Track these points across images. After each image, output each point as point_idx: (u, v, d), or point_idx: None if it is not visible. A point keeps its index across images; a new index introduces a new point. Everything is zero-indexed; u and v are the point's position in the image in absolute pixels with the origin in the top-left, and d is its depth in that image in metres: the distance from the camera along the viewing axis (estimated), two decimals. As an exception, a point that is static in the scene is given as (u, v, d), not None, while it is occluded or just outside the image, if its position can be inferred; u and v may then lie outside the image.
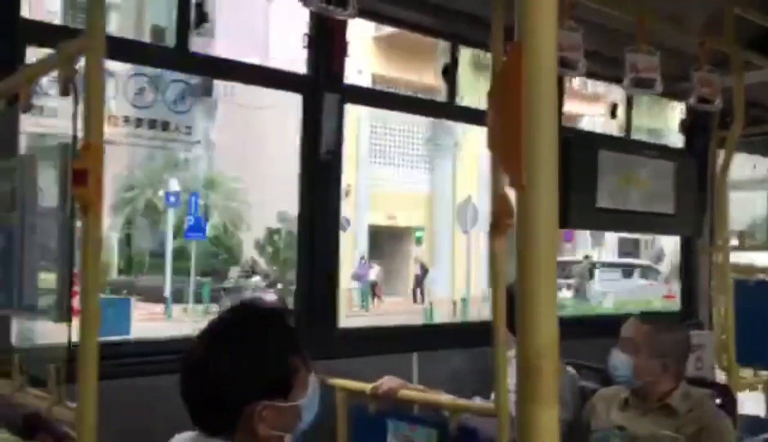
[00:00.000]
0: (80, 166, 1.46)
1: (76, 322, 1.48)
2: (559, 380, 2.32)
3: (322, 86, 2.73)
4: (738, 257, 3.77)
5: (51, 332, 1.72)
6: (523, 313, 0.67)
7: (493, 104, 0.70)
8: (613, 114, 3.98)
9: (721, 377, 3.30)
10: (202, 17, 2.46)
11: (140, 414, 2.20)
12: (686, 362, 2.53)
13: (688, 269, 4.32)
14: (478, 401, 2.56)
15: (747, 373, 3.76)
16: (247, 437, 1.39)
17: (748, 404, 3.75)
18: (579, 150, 3.57)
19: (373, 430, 2.47)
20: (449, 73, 3.13)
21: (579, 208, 3.52)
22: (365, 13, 2.82)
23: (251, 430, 1.38)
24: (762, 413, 4.08)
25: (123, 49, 2.36)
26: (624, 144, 3.95)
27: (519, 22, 0.68)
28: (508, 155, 0.69)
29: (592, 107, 22.11)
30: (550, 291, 0.68)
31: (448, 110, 3.19)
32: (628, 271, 23.55)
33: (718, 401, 2.62)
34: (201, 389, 1.40)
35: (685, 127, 4.27)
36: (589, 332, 3.54)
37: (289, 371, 1.43)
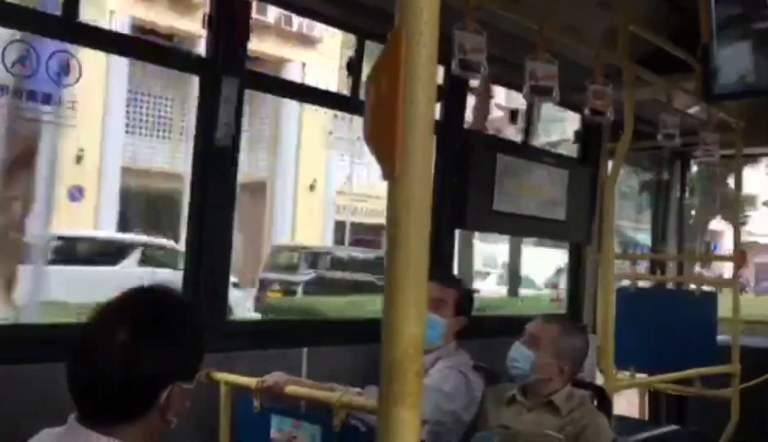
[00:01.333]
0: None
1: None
2: (466, 380, 2.34)
3: (221, 69, 2.63)
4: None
5: None
6: (391, 311, 0.65)
7: (371, 92, 0.67)
8: (513, 119, 4.07)
9: (600, 379, 3.43)
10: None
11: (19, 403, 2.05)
12: (581, 367, 2.63)
13: (575, 274, 4.48)
14: (373, 390, 2.55)
15: (625, 375, 3.95)
16: (151, 424, 1.33)
17: (623, 405, 3.94)
18: (478, 152, 3.63)
19: (257, 426, 2.41)
20: (353, 67, 3.10)
21: (476, 211, 3.58)
22: (270, -1, 2.76)
23: (161, 415, 1.33)
24: (636, 414, 4.30)
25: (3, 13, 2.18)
26: (522, 150, 4.05)
27: (400, 7, 0.65)
28: (382, 145, 0.66)
29: (307, 52, 18.45)
30: (420, 289, 0.66)
31: (352, 104, 3.15)
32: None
33: (594, 402, 2.72)
34: (112, 375, 1.30)
35: (580, 137, 4.43)
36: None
37: (201, 353, 1.43)
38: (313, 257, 16.38)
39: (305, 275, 15.61)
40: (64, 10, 2.29)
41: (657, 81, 3.45)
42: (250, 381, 2.43)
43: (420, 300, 0.66)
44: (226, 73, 2.63)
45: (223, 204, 2.70)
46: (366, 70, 3.02)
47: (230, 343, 2.71)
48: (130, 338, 1.31)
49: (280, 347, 2.83)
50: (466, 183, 3.52)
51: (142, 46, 2.69)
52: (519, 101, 4.19)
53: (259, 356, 2.70)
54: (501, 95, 13.64)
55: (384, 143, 0.66)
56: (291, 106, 15.96)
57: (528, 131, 4.16)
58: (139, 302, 1.40)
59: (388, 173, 0.65)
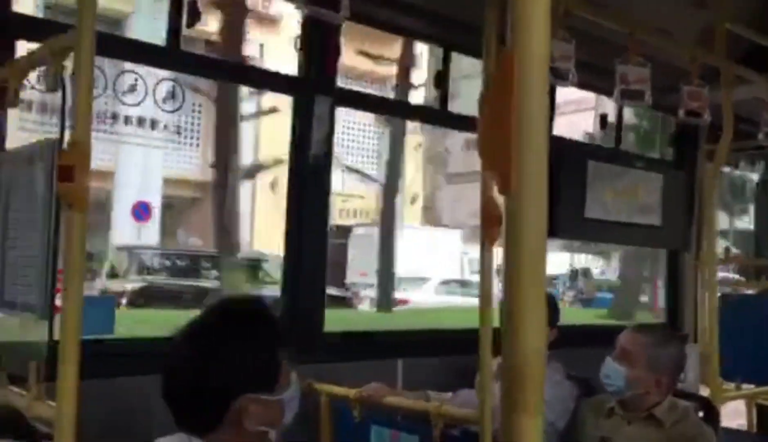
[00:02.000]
0: (66, 163, 1.45)
1: (59, 319, 1.46)
2: (561, 389, 2.32)
3: (313, 88, 2.72)
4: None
5: (33, 329, 1.70)
6: (511, 320, 0.67)
7: (485, 111, 0.70)
8: (603, 124, 4.00)
9: (704, 390, 3.31)
10: (195, 15, 2.45)
11: (121, 414, 2.17)
12: (679, 377, 2.52)
13: (674, 282, 4.34)
14: (464, 393, 2.56)
15: (730, 386, 3.79)
16: (233, 433, 1.37)
17: (729, 417, 3.77)
18: (568, 159, 3.59)
19: (357, 435, 2.47)
20: (441, 79, 3.13)
21: (566, 218, 3.54)
22: (358, 18, 2.83)
23: (238, 425, 1.36)
24: (744, 427, 4.10)
25: (113, 45, 2.34)
26: (613, 155, 3.97)
27: (512, 32, 0.67)
28: (497, 160, 0.68)
29: (266, 33, 16.76)
30: (538, 298, 0.68)
31: (440, 116, 3.19)
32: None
33: (700, 413, 2.63)
34: (187, 387, 1.37)
35: (675, 140, 4.30)
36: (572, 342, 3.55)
37: (275, 365, 1.42)
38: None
39: (133, 282, 13.02)
40: (168, 40, 2.43)
41: (757, 79, 3.32)
42: (350, 392, 2.49)
43: (540, 310, 0.68)
44: (318, 92, 2.72)
45: (318, 219, 2.78)
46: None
47: (328, 354, 2.78)
48: (197, 352, 1.38)
49: (376, 358, 2.88)
50: (557, 190, 3.49)
51: (239, 69, 2.82)
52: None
53: (356, 367, 2.76)
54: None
55: (498, 160, 0.68)
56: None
57: (619, 137, 4.07)
58: (211, 315, 1.46)
59: (505, 188, 0.67)
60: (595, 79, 3.40)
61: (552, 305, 2.87)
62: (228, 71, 2.93)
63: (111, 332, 2.48)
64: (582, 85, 3.39)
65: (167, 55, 2.44)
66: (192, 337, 1.41)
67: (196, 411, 1.38)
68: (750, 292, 4.71)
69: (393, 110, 3.41)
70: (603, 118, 3.98)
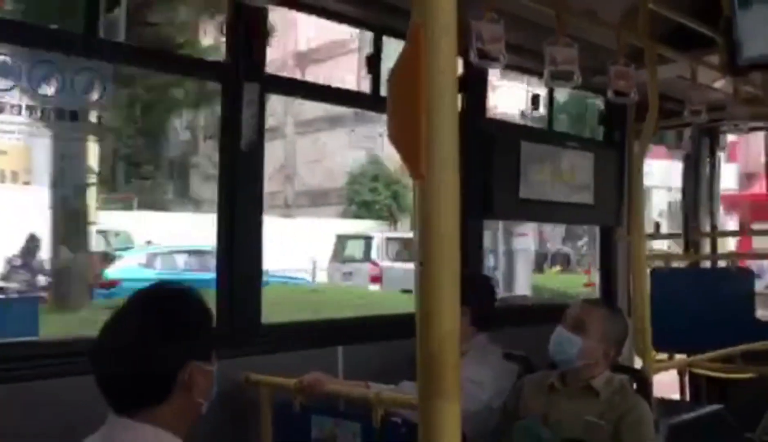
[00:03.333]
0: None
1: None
2: (495, 369, 2.33)
3: (242, 75, 2.65)
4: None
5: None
6: (425, 305, 0.65)
7: (393, 92, 0.68)
8: (534, 105, 4.04)
9: (638, 362, 3.40)
10: (114, 1, 2.36)
11: (44, 418, 2.09)
12: (622, 350, 2.59)
13: (606, 258, 4.44)
14: (406, 386, 2.57)
15: (663, 357, 3.91)
16: (180, 406, 1.40)
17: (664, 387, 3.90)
18: (501, 141, 3.62)
19: (298, 426, 2.44)
20: (372, 64, 3.10)
21: (501, 199, 3.57)
22: (285, 2, 2.77)
23: (185, 397, 1.40)
24: (677, 396, 4.25)
25: (24, 33, 2.23)
26: (546, 135, 4.02)
27: (417, 3, 0.65)
28: (407, 145, 0.66)
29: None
30: (452, 282, 0.67)
31: (373, 102, 3.16)
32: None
33: (633, 385, 2.69)
34: (131, 363, 1.39)
35: (604, 119, 4.39)
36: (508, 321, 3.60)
37: (211, 335, 1.52)
38: None
39: None
40: (85, 28, 2.33)
41: (680, 58, 3.41)
42: (289, 382, 2.46)
43: (454, 294, 0.66)
44: (247, 79, 2.65)
45: (251, 207, 2.73)
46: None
47: (266, 345, 2.74)
48: (136, 327, 1.42)
49: (316, 347, 2.85)
50: (491, 172, 3.52)
51: (163, 57, 2.72)
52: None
53: (295, 356, 2.73)
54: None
55: (409, 142, 0.66)
56: None
57: (551, 117, 4.13)
58: (141, 296, 1.50)
59: (415, 172, 0.65)
60: (524, 60, 3.44)
61: (478, 285, 2.88)
62: (153, 59, 2.83)
63: (35, 334, 2.38)
64: (512, 67, 3.42)
65: (84, 43, 2.34)
66: (126, 319, 1.44)
67: (142, 386, 1.39)
68: (679, 264, 4.88)
69: (324, 96, 3.37)
70: (535, 98, 4.03)
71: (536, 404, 2.52)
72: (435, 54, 0.65)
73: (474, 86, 3.46)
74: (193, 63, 2.72)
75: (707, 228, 5.10)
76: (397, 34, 3.08)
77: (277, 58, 18.73)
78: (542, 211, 3.89)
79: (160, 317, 1.44)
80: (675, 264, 4.72)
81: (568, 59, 2.85)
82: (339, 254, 18.64)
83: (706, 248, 5.11)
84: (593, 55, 3.26)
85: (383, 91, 3.20)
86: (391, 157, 19.21)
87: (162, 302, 1.49)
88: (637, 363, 3.35)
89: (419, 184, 0.66)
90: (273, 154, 19.67)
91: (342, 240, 18.89)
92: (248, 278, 2.74)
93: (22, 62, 2.14)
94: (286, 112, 22.24)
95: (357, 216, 22.43)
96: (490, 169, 3.51)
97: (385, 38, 3.16)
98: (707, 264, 5.07)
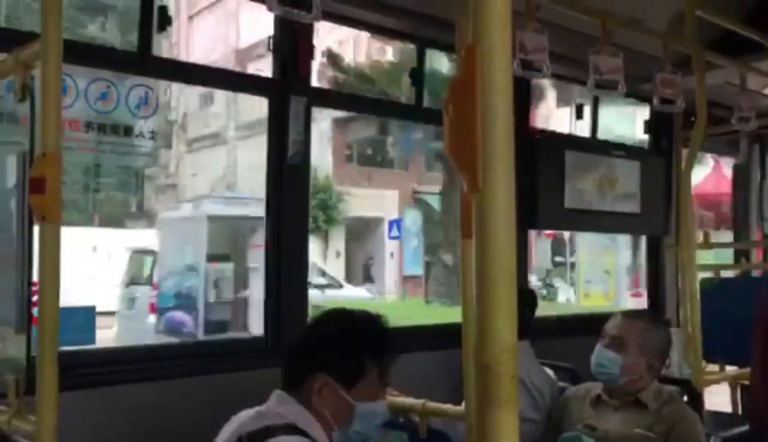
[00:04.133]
0: (37, 174, 1.43)
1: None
2: (538, 384, 2.33)
3: (288, 89, 2.70)
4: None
5: (11, 344, 1.68)
6: (482, 317, 0.67)
7: (449, 108, 0.70)
8: (578, 115, 4.02)
9: (688, 374, 3.34)
10: (166, 20, 2.43)
11: (104, 425, 2.16)
12: (666, 359, 2.54)
13: (654, 268, 4.37)
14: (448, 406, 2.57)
15: (714, 369, 3.82)
16: (306, 400, 1.60)
17: (716, 399, 3.81)
18: (546, 151, 3.60)
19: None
20: (416, 76, 3.13)
21: (547, 210, 3.56)
22: (329, 16, 2.82)
23: (309, 395, 1.59)
24: (729, 409, 4.14)
25: (81, 53, 2.31)
26: (590, 144, 3.99)
27: (473, 25, 0.67)
28: (464, 160, 0.68)
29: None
30: (509, 295, 0.68)
31: (415, 113, 3.19)
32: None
33: (684, 397, 2.65)
34: (293, 350, 1.69)
35: (650, 127, 4.34)
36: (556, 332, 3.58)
37: (358, 366, 1.63)
38: None
39: None
40: (139, 46, 2.40)
41: (729, 64, 3.35)
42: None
43: (511, 306, 0.68)
44: (294, 92, 2.70)
45: (299, 222, 2.77)
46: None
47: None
48: (313, 330, 1.76)
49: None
50: (535, 182, 3.51)
51: (213, 73, 2.80)
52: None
53: None
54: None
55: (465, 158, 0.68)
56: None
57: (595, 125, 4.09)
58: (327, 313, 1.77)
59: (473, 186, 0.67)
60: (569, 70, 3.43)
61: (524, 299, 2.90)
62: (202, 75, 2.91)
63: (93, 342, 2.46)
64: (556, 77, 3.41)
65: (138, 61, 2.41)
66: (316, 320, 1.77)
67: (289, 370, 1.66)
68: (730, 274, 4.77)
69: (369, 108, 3.41)
70: (579, 109, 4.00)
71: (582, 416, 2.49)
72: (491, 72, 0.67)
73: (518, 96, 3.45)
74: (241, 78, 2.79)
75: (758, 237, 4.98)
76: (439, 46, 3.10)
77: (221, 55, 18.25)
78: (588, 221, 3.85)
79: (319, 329, 1.73)
80: (725, 274, 4.62)
81: (613, 68, 2.83)
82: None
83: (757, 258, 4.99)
84: (639, 63, 3.23)
85: (426, 103, 3.22)
86: (323, 161, 18.18)
87: (329, 319, 1.75)
88: (688, 375, 3.30)
89: (475, 199, 0.68)
90: (215, 161, 18.67)
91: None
92: (295, 283, 2.78)
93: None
94: (228, 116, 19.73)
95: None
96: (535, 179, 3.50)
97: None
98: (757, 274, 4.95)
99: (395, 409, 2.48)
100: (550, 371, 2.88)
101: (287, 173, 2.72)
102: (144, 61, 2.42)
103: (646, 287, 4.51)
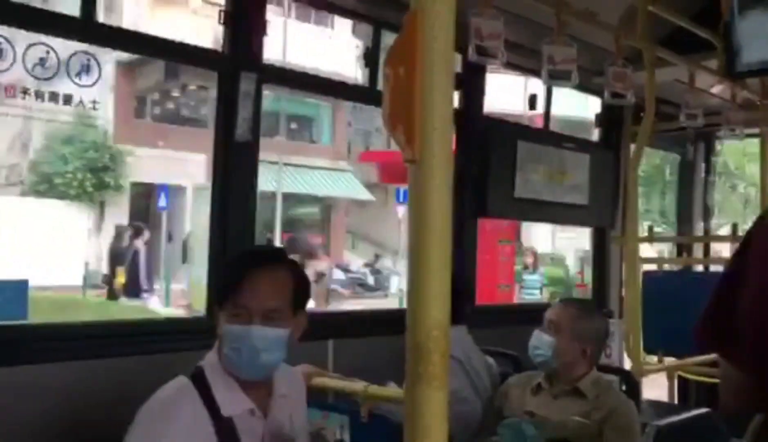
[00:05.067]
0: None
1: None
2: (477, 367, 2.35)
3: (239, 65, 2.64)
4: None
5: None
6: (415, 292, 0.65)
7: (389, 78, 0.67)
8: (532, 105, 4.04)
9: (628, 364, 3.41)
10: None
11: (39, 402, 2.08)
12: (603, 349, 2.62)
13: (599, 259, 4.44)
14: (391, 387, 2.57)
15: (653, 360, 3.92)
16: None
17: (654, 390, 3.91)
18: (498, 140, 3.61)
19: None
20: (370, 57, 3.09)
21: (497, 198, 3.57)
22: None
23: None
24: (666, 398, 4.26)
25: (20, 15, 2.20)
26: (542, 135, 4.02)
27: (415, -11, 0.65)
28: (403, 130, 0.66)
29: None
30: (443, 270, 0.66)
31: (369, 95, 3.15)
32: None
33: (623, 386, 2.70)
34: None
35: (601, 120, 4.39)
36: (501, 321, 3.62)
37: (220, 291, 1.76)
38: None
39: None
40: (82, 11, 2.31)
41: (678, 61, 3.41)
42: (297, 370, 2.45)
43: (444, 283, 0.66)
44: (244, 69, 2.64)
45: (245, 200, 2.71)
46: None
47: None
48: None
49: (306, 339, 2.83)
50: (486, 171, 3.51)
51: (161, 44, 2.70)
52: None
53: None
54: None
55: (404, 128, 0.66)
56: None
57: (547, 116, 4.12)
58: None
59: (409, 157, 0.65)
60: (523, 59, 3.44)
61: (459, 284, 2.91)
62: (148, 45, 2.81)
63: (25, 317, 2.37)
64: (510, 65, 3.41)
65: (81, 27, 2.31)
66: None
67: None
68: (672, 268, 4.88)
69: (322, 88, 3.36)
70: (532, 98, 4.02)
71: (522, 404, 2.54)
72: (431, 40, 0.64)
73: (472, 84, 3.45)
74: (190, 51, 2.70)
75: (700, 232, 5.11)
76: (394, 29, 3.07)
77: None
78: (537, 211, 3.88)
79: None
80: (667, 267, 4.73)
81: (566, 59, 2.85)
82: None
83: (699, 252, 5.12)
84: (592, 56, 3.26)
85: (380, 86, 3.19)
86: (104, 114, 15.19)
87: None
88: (627, 365, 3.36)
89: (412, 170, 0.65)
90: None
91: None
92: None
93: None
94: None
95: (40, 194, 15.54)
96: (486, 167, 3.51)
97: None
98: (700, 268, 5.09)
99: (337, 393, 2.47)
100: (490, 359, 2.91)
101: (234, 151, 2.66)
102: (87, 28, 2.32)
103: (591, 278, 4.59)
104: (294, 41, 15.54)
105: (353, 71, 14.14)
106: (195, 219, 16.62)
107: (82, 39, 2.32)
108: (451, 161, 0.66)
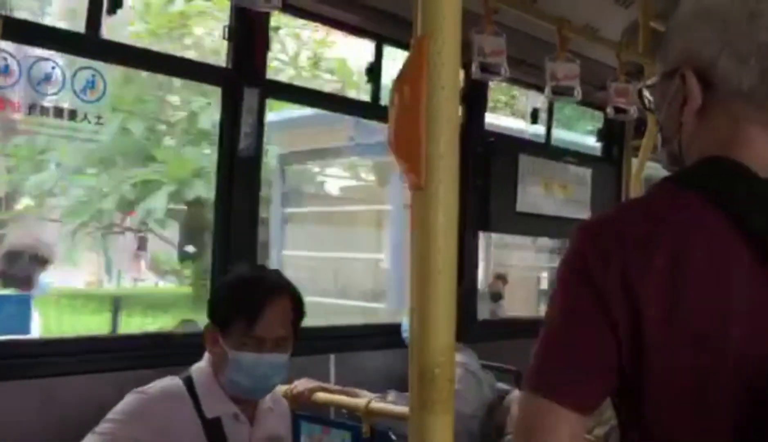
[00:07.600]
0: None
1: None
2: (483, 378, 2.34)
3: (242, 80, 2.65)
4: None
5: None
6: (420, 318, 0.65)
7: (395, 101, 0.68)
8: (533, 119, 4.05)
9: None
10: (117, 1, 2.35)
11: (39, 416, 2.08)
12: None
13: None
14: (392, 394, 2.57)
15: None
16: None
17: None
18: (500, 154, 3.62)
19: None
20: (373, 73, 3.10)
21: (499, 212, 3.57)
22: (289, 9, 2.77)
23: (211, 351, 1.76)
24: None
25: (25, 31, 2.22)
26: (544, 149, 4.03)
27: (423, 16, 0.65)
28: (408, 156, 0.66)
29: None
30: (449, 296, 0.66)
31: (372, 110, 3.16)
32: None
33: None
34: None
35: (603, 135, 4.40)
36: (504, 334, 3.61)
37: (227, 316, 1.73)
38: None
39: None
40: (87, 27, 2.32)
41: (680, 77, 3.42)
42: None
43: (449, 308, 0.66)
44: (248, 84, 2.65)
45: (248, 215, 2.72)
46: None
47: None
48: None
49: (308, 353, 2.83)
50: (488, 185, 3.52)
51: (165, 59, 2.72)
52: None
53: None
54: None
55: (409, 152, 0.66)
56: None
57: (549, 131, 4.13)
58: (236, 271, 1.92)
59: (415, 182, 0.65)
60: (526, 75, 3.45)
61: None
62: (153, 61, 2.83)
63: (28, 332, 2.36)
64: (513, 81, 3.43)
65: (87, 43, 2.33)
66: None
67: None
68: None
69: (325, 104, 3.37)
70: (534, 113, 4.04)
71: None
72: (438, 67, 0.65)
73: (474, 99, 3.46)
74: (194, 66, 2.71)
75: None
76: (397, 44, 3.09)
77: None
78: (539, 226, 3.89)
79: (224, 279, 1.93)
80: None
81: (569, 75, 2.87)
82: None
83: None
84: (595, 72, 3.27)
85: (383, 101, 3.20)
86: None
87: (235, 274, 1.86)
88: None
89: (417, 196, 0.66)
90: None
91: None
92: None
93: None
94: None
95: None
96: (488, 181, 3.52)
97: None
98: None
99: (339, 408, 2.46)
100: (490, 374, 2.92)
101: (237, 166, 2.67)
102: (92, 44, 2.33)
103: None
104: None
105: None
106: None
107: (89, 55, 2.33)
108: (456, 188, 0.66)
